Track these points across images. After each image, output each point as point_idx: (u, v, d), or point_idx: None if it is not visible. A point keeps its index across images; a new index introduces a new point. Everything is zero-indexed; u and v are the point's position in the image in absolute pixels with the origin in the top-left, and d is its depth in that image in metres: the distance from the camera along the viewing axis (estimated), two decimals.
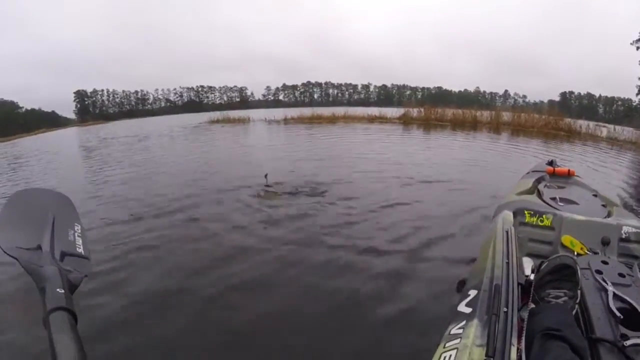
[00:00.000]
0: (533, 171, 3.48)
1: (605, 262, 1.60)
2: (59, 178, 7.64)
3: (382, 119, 21.75)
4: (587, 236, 1.99)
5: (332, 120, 22.10)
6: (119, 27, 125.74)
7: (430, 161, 8.18)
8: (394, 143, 12.08)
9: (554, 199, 2.56)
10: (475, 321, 1.10)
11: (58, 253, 0.79)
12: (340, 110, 23.92)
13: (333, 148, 10.59)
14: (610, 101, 53.88)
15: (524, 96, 62.43)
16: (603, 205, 2.56)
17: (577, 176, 3.34)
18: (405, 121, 20.84)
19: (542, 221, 2.14)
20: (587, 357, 1.07)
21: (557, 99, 54.37)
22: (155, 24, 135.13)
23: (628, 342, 1.11)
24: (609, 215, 2.33)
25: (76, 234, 0.91)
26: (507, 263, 1.38)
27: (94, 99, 71.67)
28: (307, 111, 24.42)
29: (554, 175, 3.33)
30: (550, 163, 3.60)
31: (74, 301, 0.61)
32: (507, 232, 1.65)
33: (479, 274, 1.43)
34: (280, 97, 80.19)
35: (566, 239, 2.00)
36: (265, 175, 5.45)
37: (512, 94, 68.00)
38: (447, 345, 1.06)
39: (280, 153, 9.68)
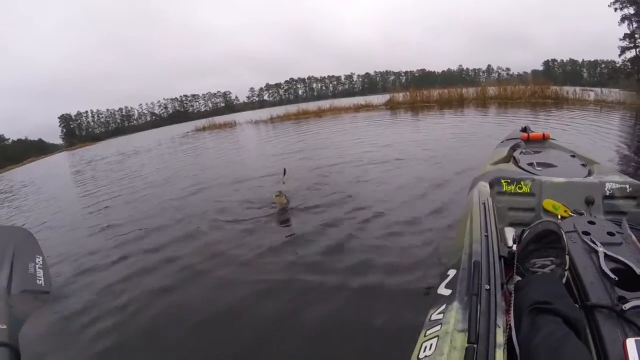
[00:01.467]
0: (507, 140, 3.40)
1: (592, 223, 1.53)
2: (45, 212, 7.07)
3: (368, 107, 21.70)
4: (570, 198, 1.92)
5: (319, 114, 21.98)
6: (97, 44, 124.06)
7: (427, 139, 8.35)
8: (383, 128, 12.06)
9: (531, 164, 2.49)
10: (455, 304, 1.01)
11: (16, 287, 0.85)
12: (326, 104, 23.91)
13: (328, 141, 10.44)
14: (594, 65, 53.88)
15: (508, 69, 62.02)
16: (583, 165, 2.49)
17: (553, 139, 3.29)
18: (392, 107, 20.78)
19: (520, 188, 2.06)
20: (584, 329, 1.00)
21: (541, 68, 54.92)
22: (133, 38, 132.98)
23: (628, 306, 1.02)
24: (590, 174, 2.26)
25: (37, 267, 0.95)
26: (487, 236, 1.29)
27: (80, 121, 71.29)
28: (292, 108, 24.36)
29: (529, 141, 3.27)
30: (525, 130, 3.55)
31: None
32: (484, 204, 1.58)
33: (457, 252, 1.34)
34: (265, 98, 79.73)
35: (548, 204, 1.94)
36: (284, 171, 4.74)
37: (495, 69, 67.83)
38: (428, 333, 0.97)
39: (272, 151, 9.62)
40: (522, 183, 2.06)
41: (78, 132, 69.63)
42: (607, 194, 1.91)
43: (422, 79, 58.81)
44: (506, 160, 2.74)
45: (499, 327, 0.90)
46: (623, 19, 26.04)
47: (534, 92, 17.21)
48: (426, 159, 6.25)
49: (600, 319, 1.03)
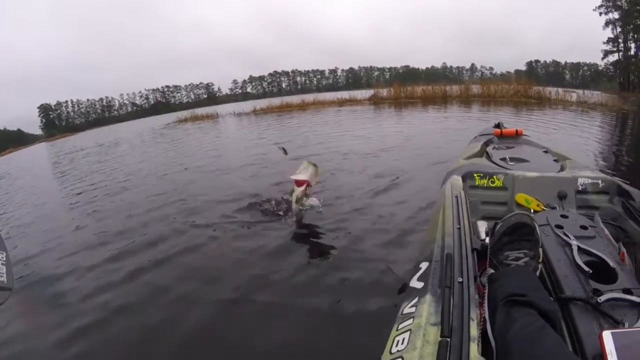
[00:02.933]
0: (480, 135, 3.43)
1: (564, 216, 1.55)
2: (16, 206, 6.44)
3: (352, 102, 21.44)
4: (543, 192, 1.94)
5: (302, 107, 21.63)
6: (76, 32, 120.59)
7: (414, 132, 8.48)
8: (368, 121, 12.09)
9: (503, 159, 2.50)
10: (428, 297, 0.99)
11: None
12: (309, 97, 23.55)
13: (314, 134, 10.10)
14: (576, 67, 54.88)
15: (491, 68, 62.38)
16: (555, 160, 2.51)
17: (526, 135, 3.32)
18: (376, 102, 20.60)
19: (493, 182, 2.06)
20: (559, 321, 0.99)
21: (524, 68, 55.38)
22: (114, 27, 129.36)
23: (602, 298, 1.03)
24: (562, 169, 2.29)
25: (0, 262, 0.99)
26: (459, 229, 1.27)
27: (59, 111, 69.05)
28: (276, 101, 23.90)
29: (501, 136, 3.31)
30: (497, 125, 3.59)
31: None
32: (456, 197, 1.57)
33: (429, 244, 1.32)
34: (248, 90, 78.22)
35: (520, 197, 1.95)
36: (283, 150, 4.12)
37: (479, 67, 68.23)
38: (400, 327, 0.94)
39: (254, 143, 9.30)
40: (495, 177, 2.06)
41: (57, 122, 67.45)
42: (580, 189, 1.94)
43: (406, 75, 59.00)
44: (479, 154, 2.74)
45: (473, 320, 0.87)
46: (607, 23, 26.75)
47: (517, 91, 17.33)
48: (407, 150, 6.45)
49: (575, 312, 1.03)
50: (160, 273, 2.80)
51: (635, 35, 25.33)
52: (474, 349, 0.80)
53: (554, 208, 1.82)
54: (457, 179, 1.93)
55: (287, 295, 2.27)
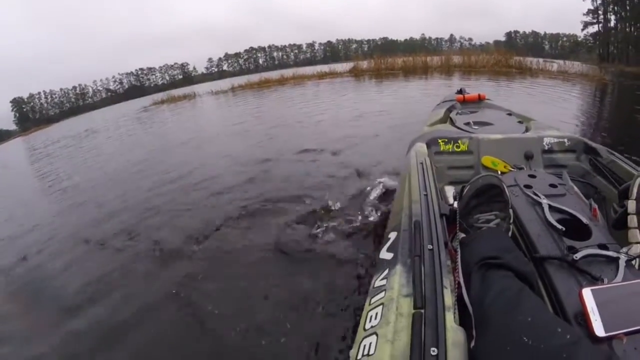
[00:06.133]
0: (443, 102, 3.39)
1: (532, 176, 1.54)
2: None
3: (332, 74, 21.01)
4: (509, 154, 1.94)
5: (282, 82, 21.11)
6: (41, 20, 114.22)
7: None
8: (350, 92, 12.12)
9: (467, 123, 2.49)
10: (398, 267, 0.95)
11: None
12: (288, 72, 23.09)
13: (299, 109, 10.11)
14: (555, 38, 54.89)
15: (470, 39, 62.46)
16: (519, 122, 2.53)
17: (488, 99, 3.35)
18: (356, 74, 20.21)
19: (458, 147, 2.04)
20: (536, 281, 0.96)
21: (503, 39, 55.37)
22: (77, 11, 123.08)
23: (578, 255, 1.01)
24: (527, 130, 2.30)
25: None
26: (426, 195, 1.26)
27: (32, 104, 65.97)
28: (254, 77, 23.45)
29: (464, 102, 3.31)
30: (460, 91, 3.60)
31: None
32: (421, 163, 1.54)
33: (397, 214, 1.32)
34: (225, 68, 75.69)
35: (487, 160, 1.94)
36: None
37: (457, 38, 67.77)
38: (372, 301, 0.90)
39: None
40: (460, 141, 2.04)
41: (32, 115, 64.51)
42: (546, 148, 1.95)
43: (385, 47, 57.98)
44: (442, 121, 2.74)
45: (446, 288, 0.85)
46: None
47: (498, 61, 17.21)
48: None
49: (552, 271, 1.02)
50: None
51: (616, 8, 25.45)
52: (450, 318, 0.77)
53: (521, 169, 1.80)
54: (421, 146, 1.91)
55: None
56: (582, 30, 28.68)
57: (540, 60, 17.86)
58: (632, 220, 1.12)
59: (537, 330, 0.70)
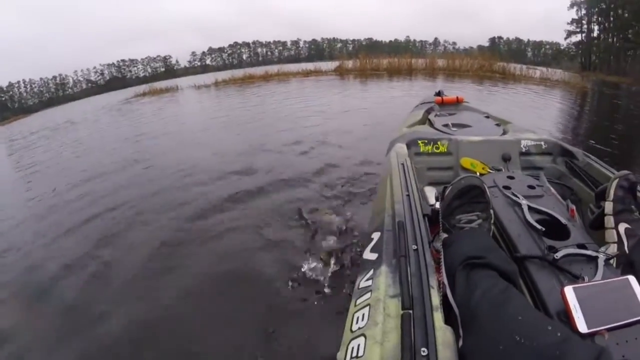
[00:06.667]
0: (421, 104, 3.45)
1: (511, 177, 1.56)
2: None
3: (317, 73, 20.84)
4: (487, 155, 1.96)
5: (266, 78, 20.74)
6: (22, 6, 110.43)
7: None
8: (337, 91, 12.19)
9: (446, 125, 2.51)
10: (383, 268, 0.93)
11: None
12: (273, 69, 22.63)
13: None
14: (538, 45, 55.79)
15: (454, 43, 62.45)
16: (497, 125, 2.55)
17: (466, 102, 3.38)
18: (341, 72, 20.11)
19: (437, 148, 2.06)
20: (519, 280, 0.96)
21: (487, 44, 56.09)
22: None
23: (559, 254, 1.02)
24: (504, 133, 2.32)
25: None
26: (408, 195, 1.26)
27: (11, 92, 63.46)
28: (238, 73, 23.00)
29: (442, 104, 3.34)
30: (438, 93, 3.63)
31: None
32: (402, 164, 1.55)
33: (379, 214, 1.30)
34: (208, 62, 74.07)
35: (466, 162, 1.96)
36: None
37: (442, 42, 67.90)
38: (358, 302, 0.88)
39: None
40: (439, 142, 2.06)
41: (10, 104, 61.76)
42: (523, 150, 1.98)
43: (369, 47, 57.98)
44: (421, 122, 2.76)
45: (433, 288, 0.84)
46: (572, 5, 27.42)
47: (482, 66, 17.41)
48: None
49: (533, 270, 1.02)
50: None
51: (600, 18, 26.08)
52: (439, 318, 0.76)
53: (499, 170, 1.83)
54: (401, 147, 1.90)
55: None
56: (566, 39, 29.55)
57: (524, 66, 18.22)
58: (609, 220, 1.17)
59: (527, 328, 0.70)
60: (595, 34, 26.69)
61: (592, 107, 9.36)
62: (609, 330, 0.77)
